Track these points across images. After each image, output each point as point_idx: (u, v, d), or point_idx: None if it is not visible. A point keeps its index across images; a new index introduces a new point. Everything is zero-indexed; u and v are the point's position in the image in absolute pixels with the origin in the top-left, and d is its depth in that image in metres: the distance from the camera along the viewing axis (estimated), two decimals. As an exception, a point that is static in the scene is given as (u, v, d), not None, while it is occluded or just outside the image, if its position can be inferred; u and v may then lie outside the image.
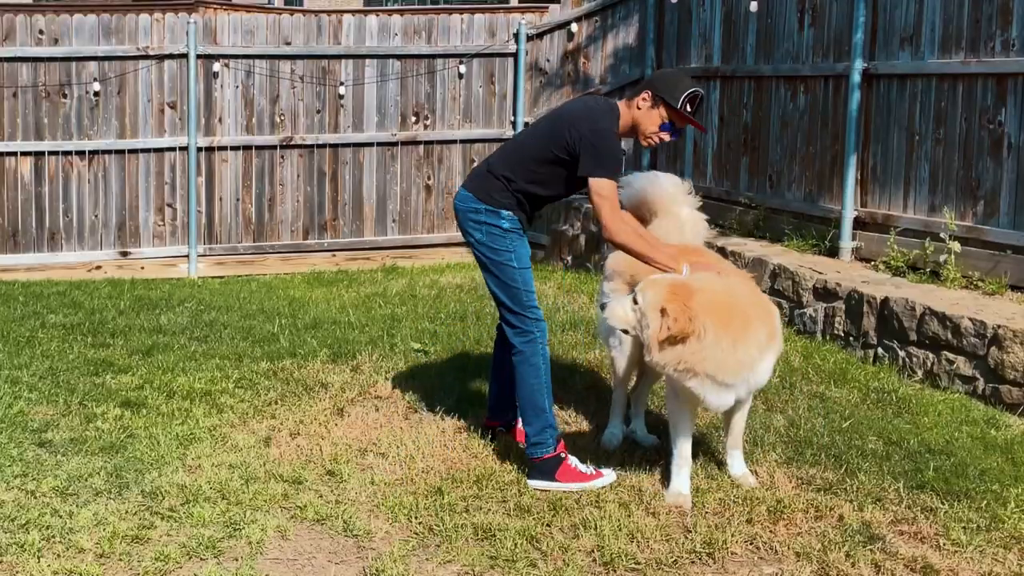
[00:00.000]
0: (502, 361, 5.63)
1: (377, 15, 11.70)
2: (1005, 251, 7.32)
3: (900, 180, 8.19)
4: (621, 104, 5.32)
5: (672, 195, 5.79)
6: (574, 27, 11.53)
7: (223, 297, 9.45)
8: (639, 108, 5.25)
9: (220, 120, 11.14)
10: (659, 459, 5.50)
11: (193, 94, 10.95)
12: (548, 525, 4.80)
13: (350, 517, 4.86)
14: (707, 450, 5.64)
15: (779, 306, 8.22)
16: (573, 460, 5.25)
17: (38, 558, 4.41)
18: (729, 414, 5.27)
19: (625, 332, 5.12)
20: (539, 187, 5.37)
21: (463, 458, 5.52)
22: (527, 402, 5.33)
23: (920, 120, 8.03)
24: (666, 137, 5.27)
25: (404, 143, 11.61)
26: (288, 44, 11.26)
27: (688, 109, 5.20)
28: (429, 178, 11.70)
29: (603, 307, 5.24)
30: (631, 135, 5.34)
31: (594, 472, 5.21)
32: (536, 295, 5.48)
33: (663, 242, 5.34)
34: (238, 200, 11.27)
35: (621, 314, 5.01)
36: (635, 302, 4.94)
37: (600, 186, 5.12)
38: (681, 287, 4.88)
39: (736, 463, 5.33)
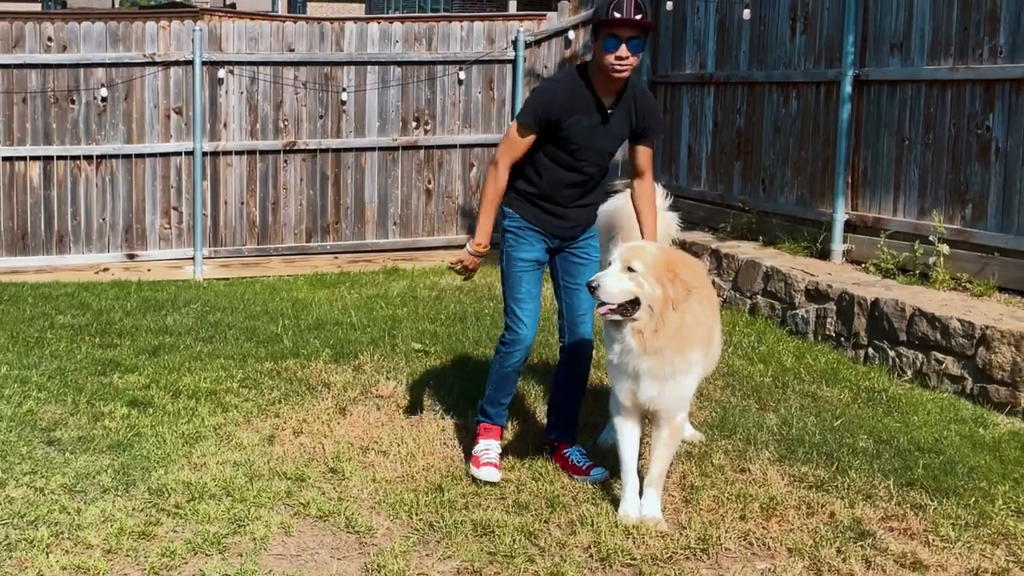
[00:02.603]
0: (559, 381, 5.61)
1: (379, 22, 11.69)
2: (993, 253, 7.33)
3: (890, 184, 8.19)
4: (593, 63, 5.06)
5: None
6: (571, 34, 11.54)
7: (228, 298, 9.45)
8: (593, 51, 5.03)
9: (225, 125, 11.14)
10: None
11: (199, 100, 10.95)
12: (546, 521, 4.80)
13: (352, 514, 4.86)
14: (701, 447, 5.65)
15: (771, 307, 8.24)
16: (482, 447, 5.33)
17: (47, 554, 4.41)
18: (654, 432, 4.95)
19: (619, 315, 4.67)
20: (523, 169, 5.21)
21: (463, 456, 5.52)
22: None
23: (910, 125, 8.03)
24: (624, 56, 4.87)
25: (405, 148, 11.61)
26: (291, 51, 11.25)
27: (617, 15, 4.83)
28: (429, 182, 11.70)
29: (593, 289, 4.70)
30: (605, 79, 5.01)
31: (486, 462, 5.23)
32: (526, 306, 5.24)
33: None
34: (242, 203, 11.27)
35: (619, 288, 4.64)
36: (630, 269, 4.67)
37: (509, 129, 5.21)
38: (667, 252, 4.82)
39: (650, 503, 4.86)
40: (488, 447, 5.33)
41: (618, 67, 4.92)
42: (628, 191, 5.67)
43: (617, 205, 5.80)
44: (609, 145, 5.19)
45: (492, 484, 5.14)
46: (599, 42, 4.92)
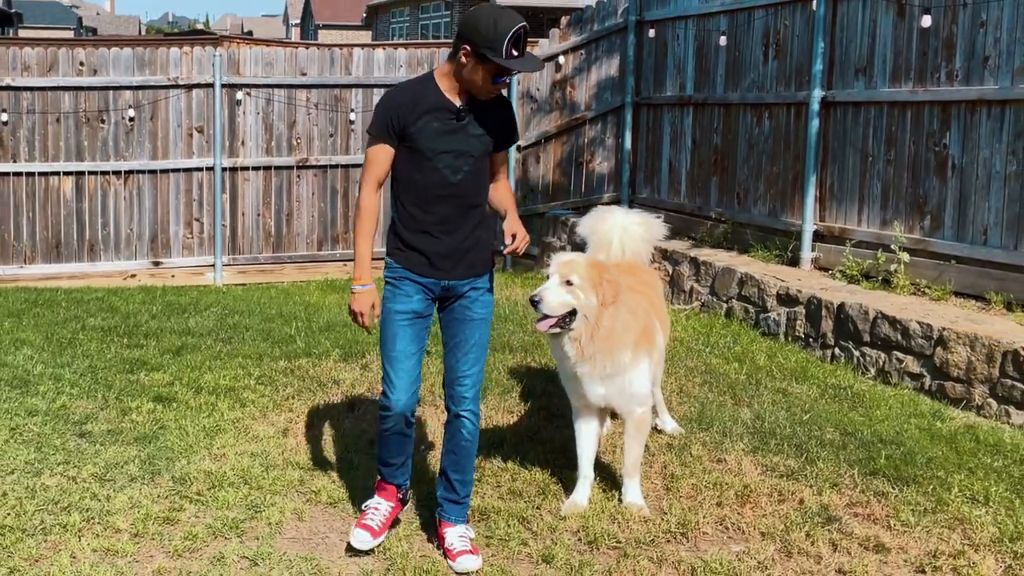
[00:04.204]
0: (444, 450, 4.62)
1: (384, 48, 11.71)
2: (949, 261, 7.35)
3: (855, 197, 8.21)
4: (444, 66, 4.29)
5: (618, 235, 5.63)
6: (561, 59, 11.55)
7: (245, 302, 9.45)
8: (464, 66, 4.18)
9: (243, 143, 11.15)
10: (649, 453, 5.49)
11: (218, 120, 10.96)
12: (538, 508, 4.81)
13: (360, 500, 4.86)
14: (680, 440, 5.65)
15: (745, 311, 8.25)
16: (371, 502, 4.54)
17: (79, 537, 4.41)
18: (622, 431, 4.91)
19: (559, 327, 4.58)
20: (396, 206, 4.50)
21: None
22: None
23: (873, 143, 8.05)
24: (503, 88, 4.26)
25: (409, 164, 11.60)
26: (304, 75, 11.26)
27: (515, 53, 4.09)
28: (431, 195, 11.70)
29: (536, 303, 4.54)
30: (465, 91, 4.27)
31: (361, 524, 4.45)
32: (400, 367, 4.33)
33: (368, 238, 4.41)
34: (259, 215, 11.27)
35: (559, 301, 4.54)
36: (568, 283, 4.56)
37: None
38: (597, 261, 4.76)
39: (630, 491, 4.86)
40: (377, 505, 4.52)
41: (493, 93, 4.28)
42: (599, 209, 5.70)
43: (587, 222, 5.83)
44: (468, 146, 4.30)
45: (358, 552, 4.38)
46: (483, 71, 4.15)
